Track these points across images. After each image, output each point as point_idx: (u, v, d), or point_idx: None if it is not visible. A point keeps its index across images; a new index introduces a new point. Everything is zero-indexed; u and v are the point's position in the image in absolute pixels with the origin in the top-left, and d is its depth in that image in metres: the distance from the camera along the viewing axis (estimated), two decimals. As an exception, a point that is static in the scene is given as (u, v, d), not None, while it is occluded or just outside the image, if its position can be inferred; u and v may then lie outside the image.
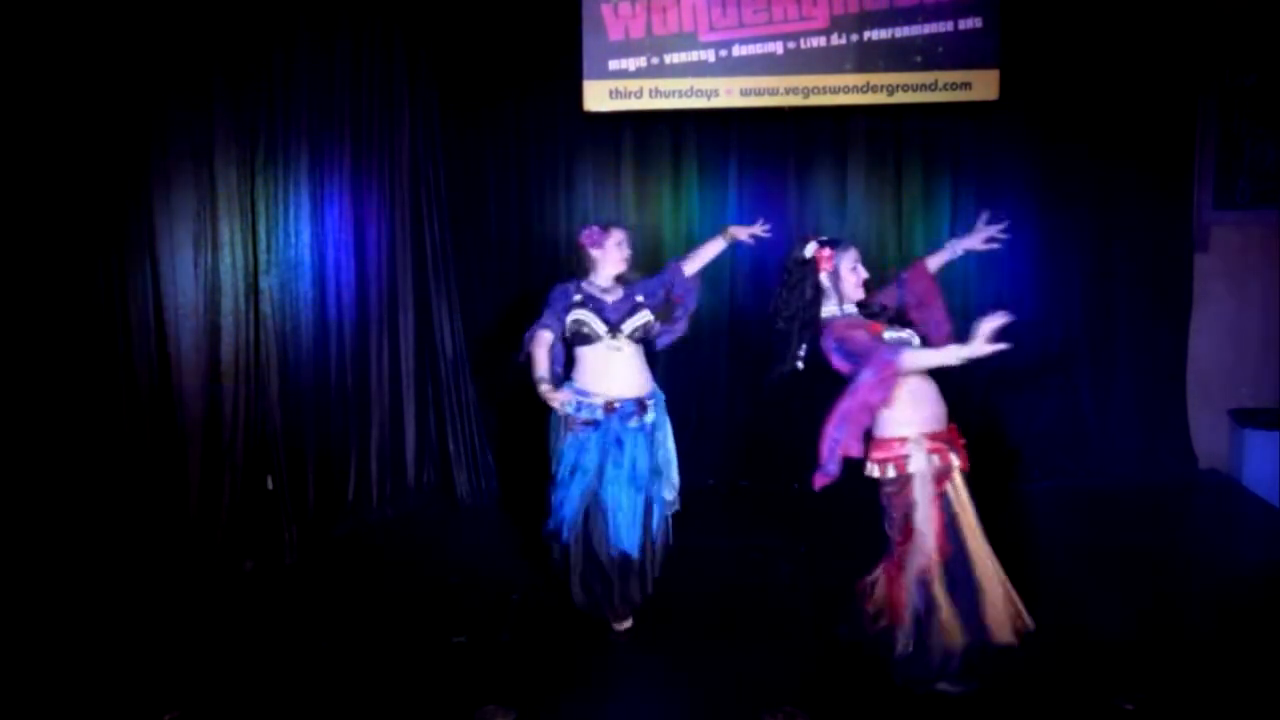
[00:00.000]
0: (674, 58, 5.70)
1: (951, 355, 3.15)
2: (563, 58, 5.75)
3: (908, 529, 3.33)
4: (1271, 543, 5.07)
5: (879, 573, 3.47)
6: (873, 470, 3.38)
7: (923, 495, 3.30)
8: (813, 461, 3.61)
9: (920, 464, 3.30)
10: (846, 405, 3.26)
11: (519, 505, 5.53)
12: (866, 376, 3.23)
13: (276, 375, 4.82)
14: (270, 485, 4.86)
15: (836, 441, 3.28)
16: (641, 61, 5.71)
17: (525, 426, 5.74)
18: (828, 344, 3.37)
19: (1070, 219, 5.82)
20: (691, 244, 5.87)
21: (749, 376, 6.04)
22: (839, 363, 3.36)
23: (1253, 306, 5.87)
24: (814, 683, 3.58)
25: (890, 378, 3.22)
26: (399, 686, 3.62)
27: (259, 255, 4.75)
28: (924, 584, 3.31)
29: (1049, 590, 4.32)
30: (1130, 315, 5.83)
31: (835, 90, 5.65)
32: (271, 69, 4.77)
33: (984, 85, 5.55)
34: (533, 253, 5.94)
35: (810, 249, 3.43)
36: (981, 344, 3.03)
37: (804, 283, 3.41)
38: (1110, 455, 5.85)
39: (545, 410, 4.07)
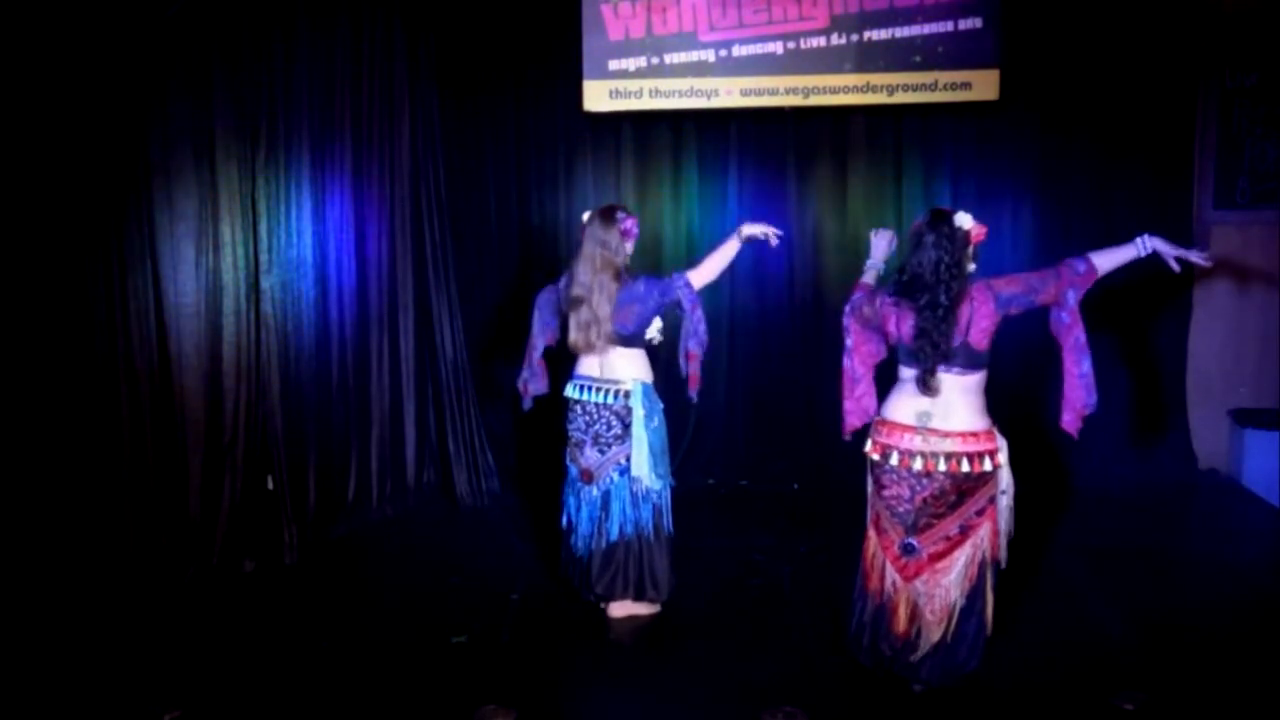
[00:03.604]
0: (674, 58, 5.70)
1: (1136, 247, 3.31)
2: (563, 57, 5.75)
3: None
4: (1271, 543, 5.08)
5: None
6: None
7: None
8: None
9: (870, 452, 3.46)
10: (1079, 336, 3.29)
11: (519, 505, 5.54)
12: (1072, 298, 3.25)
13: (277, 375, 4.82)
14: (270, 485, 4.86)
15: (1088, 375, 3.33)
16: (641, 61, 5.71)
17: (526, 426, 5.77)
18: (985, 303, 3.24)
19: (1070, 219, 5.81)
20: (692, 244, 5.94)
21: (749, 376, 6.06)
22: (984, 335, 3.26)
23: (1253, 306, 5.87)
24: (814, 683, 3.58)
25: (1091, 283, 3.28)
26: (399, 686, 3.62)
27: (260, 255, 4.75)
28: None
29: (1049, 590, 4.34)
30: (1130, 315, 5.83)
31: (835, 90, 5.66)
32: (272, 68, 4.77)
33: (984, 85, 5.55)
34: (533, 253, 5.94)
35: (967, 219, 3.33)
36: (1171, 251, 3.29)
37: (956, 251, 3.28)
38: (1110, 455, 5.85)
39: (547, 411, 4.12)
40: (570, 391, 4.07)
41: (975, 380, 3.33)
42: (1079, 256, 3.31)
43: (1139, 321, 5.84)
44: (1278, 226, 5.78)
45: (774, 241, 4.03)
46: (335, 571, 4.74)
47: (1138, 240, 3.34)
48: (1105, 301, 5.80)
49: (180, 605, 4.26)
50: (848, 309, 3.60)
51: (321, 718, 3.46)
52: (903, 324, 3.33)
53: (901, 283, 3.36)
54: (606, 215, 3.94)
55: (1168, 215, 5.80)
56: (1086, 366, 3.30)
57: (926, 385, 3.27)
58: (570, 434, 4.10)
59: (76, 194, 4.28)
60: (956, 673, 3.42)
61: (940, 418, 3.30)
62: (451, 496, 5.67)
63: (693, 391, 4.07)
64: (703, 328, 3.97)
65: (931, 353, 3.25)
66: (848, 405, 3.62)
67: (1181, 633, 3.91)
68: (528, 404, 4.21)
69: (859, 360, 3.60)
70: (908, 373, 3.38)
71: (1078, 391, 3.33)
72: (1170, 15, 5.61)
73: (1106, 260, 3.32)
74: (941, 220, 3.32)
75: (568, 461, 4.15)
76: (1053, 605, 4.19)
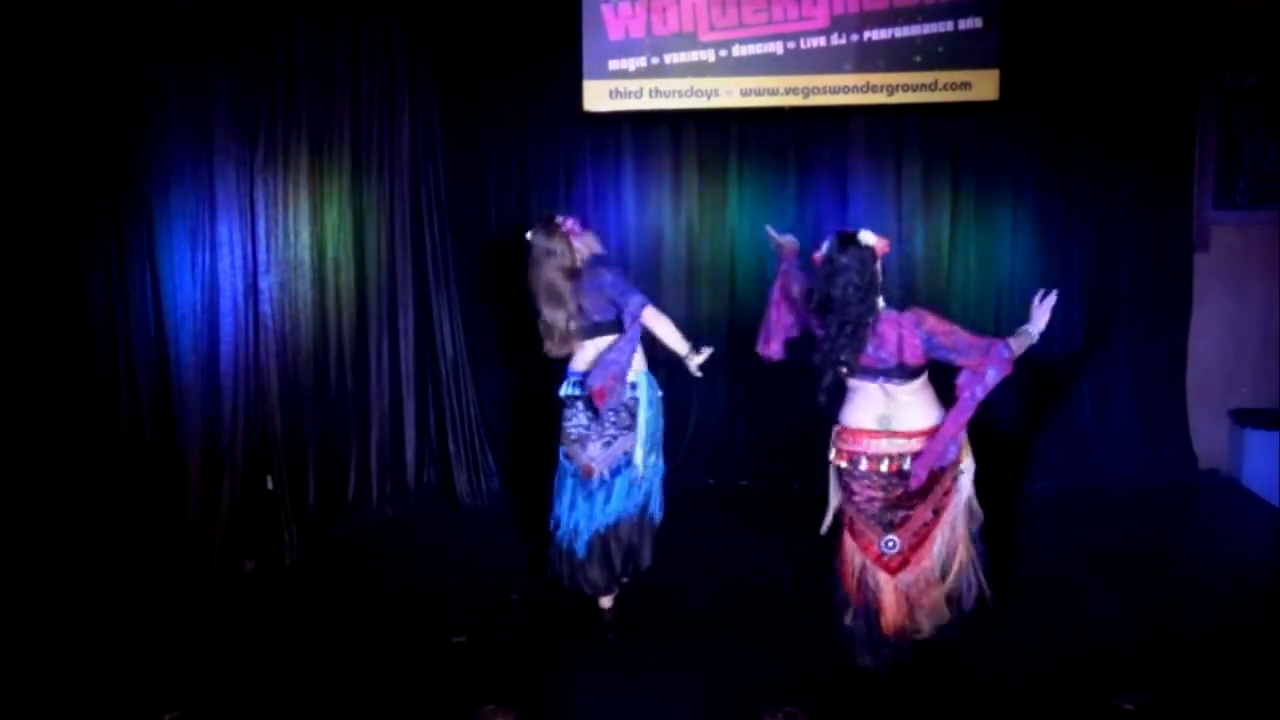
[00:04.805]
0: (674, 58, 5.70)
1: (1029, 337, 3.37)
2: (563, 58, 5.75)
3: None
4: (1271, 543, 5.08)
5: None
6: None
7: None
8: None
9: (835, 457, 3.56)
10: (968, 410, 3.33)
11: (519, 505, 5.53)
12: (991, 376, 3.28)
13: (276, 375, 4.82)
14: (270, 485, 4.86)
15: (953, 442, 3.39)
16: (641, 61, 5.70)
17: (525, 426, 5.78)
18: (913, 334, 3.31)
19: (1070, 219, 5.81)
20: (692, 244, 5.94)
21: (749, 376, 6.05)
22: (918, 354, 3.34)
23: (1253, 306, 5.87)
24: (814, 683, 3.58)
25: (1010, 373, 3.31)
26: (399, 686, 3.62)
27: (258, 255, 4.75)
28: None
29: (1049, 590, 4.34)
30: (1130, 315, 5.83)
31: (835, 90, 5.65)
32: (272, 68, 4.77)
33: (984, 85, 5.55)
34: (533, 252, 5.93)
35: (870, 236, 3.38)
36: (1043, 314, 3.37)
37: (866, 272, 3.33)
38: (1110, 455, 5.85)
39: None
40: (569, 389, 4.09)
41: (920, 382, 3.43)
42: (1004, 342, 3.33)
43: (1139, 321, 5.84)
44: (1278, 226, 5.78)
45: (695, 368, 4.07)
46: (335, 571, 4.74)
47: (1028, 331, 3.39)
48: (1106, 302, 5.85)
49: (180, 605, 4.26)
50: (783, 270, 3.77)
51: (321, 718, 3.46)
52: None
53: (812, 308, 3.46)
54: (548, 226, 4.04)
55: (1168, 215, 5.80)
56: (955, 429, 3.38)
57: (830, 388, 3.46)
58: (569, 431, 4.10)
59: (75, 194, 4.28)
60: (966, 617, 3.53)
61: (898, 420, 3.41)
62: (451, 496, 5.67)
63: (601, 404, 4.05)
64: (624, 359, 3.98)
65: (841, 370, 3.38)
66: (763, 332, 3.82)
67: (1181, 633, 3.91)
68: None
69: (776, 319, 3.75)
70: (857, 384, 3.46)
71: (945, 446, 3.39)
72: (1170, 15, 5.60)
73: (1020, 349, 3.37)
74: (849, 243, 3.37)
75: (563, 461, 4.16)
76: (1053, 605, 4.19)
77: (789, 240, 3.91)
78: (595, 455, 4.05)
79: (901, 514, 3.45)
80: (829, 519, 3.64)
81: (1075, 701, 3.42)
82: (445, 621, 4.08)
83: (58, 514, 4.26)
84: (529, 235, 4.07)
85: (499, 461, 5.82)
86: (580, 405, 4.06)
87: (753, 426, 6.05)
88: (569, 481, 4.13)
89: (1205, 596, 4.30)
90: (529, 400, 5.72)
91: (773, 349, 3.82)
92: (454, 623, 4.07)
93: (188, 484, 4.57)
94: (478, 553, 4.94)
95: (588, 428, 4.06)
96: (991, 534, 3.61)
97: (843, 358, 3.34)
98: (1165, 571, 4.58)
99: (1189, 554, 4.83)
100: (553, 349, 4.07)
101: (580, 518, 4.10)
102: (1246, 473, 5.71)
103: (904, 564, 3.46)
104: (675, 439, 5.70)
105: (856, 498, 3.48)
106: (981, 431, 3.61)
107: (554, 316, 4.00)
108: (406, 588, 4.53)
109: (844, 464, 3.49)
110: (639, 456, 4.05)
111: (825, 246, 3.40)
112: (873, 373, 3.38)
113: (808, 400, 5.66)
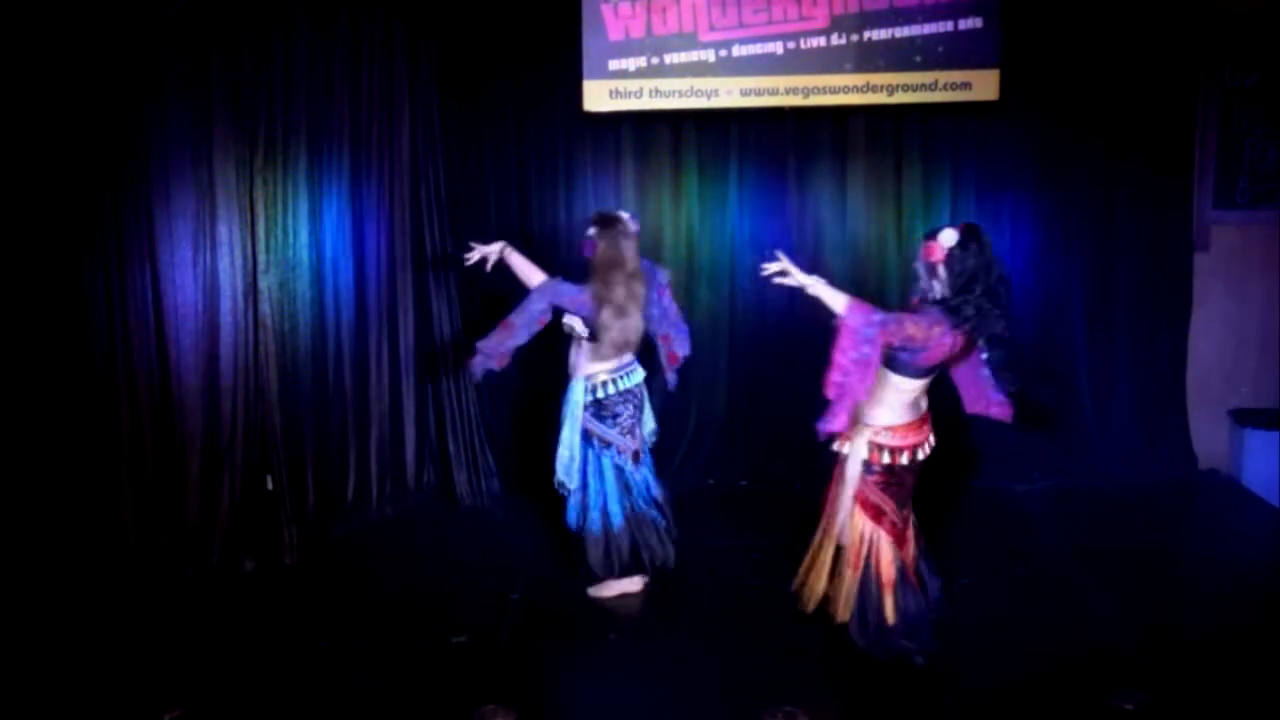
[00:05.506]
0: (674, 58, 5.69)
1: None
2: (563, 58, 5.75)
3: None
4: (1271, 543, 5.08)
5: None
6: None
7: None
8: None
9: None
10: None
11: (518, 505, 5.53)
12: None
13: (275, 375, 4.82)
14: (270, 485, 4.86)
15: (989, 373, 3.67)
16: (641, 61, 5.70)
17: (525, 426, 5.77)
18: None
19: (1070, 219, 5.81)
20: (692, 244, 5.94)
21: (749, 377, 6.05)
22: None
23: (1253, 306, 5.87)
24: (814, 682, 3.58)
25: None
26: (399, 686, 3.62)
27: (258, 255, 4.75)
28: None
29: (1049, 590, 4.34)
30: (1130, 315, 5.82)
31: (835, 90, 5.65)
32: (271, 67, 4.77)
33: (984, 85, 5.55)
34: (533, 253, 5.91)
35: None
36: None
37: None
38: (1110, 455, 5.85)
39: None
40: (621, 383, 4.19)
41: None
42: None
43: (1139, 321, 5.83)
44: (1278, 226, 5.78)
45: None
46: (335, 571, 4.74)
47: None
48: (1106, 301, 5.84)
49: (180, 605, 4.26)
50: (879, 322, 3.40)
51: (321, 718, 3.46)
52: (957, 343, 3.44)
53: (981, 301, 3.38)
54: (625, 228, 4.13)
55: (1168, 215, 5.80)
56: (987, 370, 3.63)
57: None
58: (619, 424, 4.20)
59: (75, 193, 4.28)
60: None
61: (925, 407, 3.61)
62: (451, 496, 5.67)
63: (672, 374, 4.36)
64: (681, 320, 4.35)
65: (1010, 358, 3.51)
66: (842, 409, 3.51)
67: (1181, 633, 3.91)
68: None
69: (872, 373, 3.45)
70: (906, 383, 3.49)
71: (995, 383, 3.64)
72: (1170, 15, 5.60)
73: None
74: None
75: (614, 460, 4.21)
76: (1053, 605, 4.19)
77: (814, 278, 3.64)
78: (639, 438, 4.28)
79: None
80: (847, 532, 3.63)
81: (1075, 701, 3.42)
82: (445, 621, 4.09)
83: (58, 513, 4.26)
84: (594, 230, 4.14)
85: (499, 461, 5.82)
86: (630, 395, 4.22)
87: (753, 426, 6.05)
88: (621, 474, 4.24)
89: (1205, 596, 4.30)
90: (529, 400, 5.73)
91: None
92: (454, 623, 4.07)
93: (188, 484, 4.57)
94: (478, 553, 4.94)
95: (633, 416, 4.23)
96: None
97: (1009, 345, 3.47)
98: (1165, 571, 4.58)
99: (1189, 554, 4.84)
100: (623, 343, 4.14)
101: (640, 498, 4.26)
102: (1246, 473, 5.71)
103: (908, 529, 3.65)
104: (675, 439, 5.71)
105: (900, 490, 3.57)
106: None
107: (631, 322, 4.11)
108: (406, 588, 4.53)
109: (905, 460, 3.53)
110: (651, 424, 4.40)
111: (955, 236, 3.53)
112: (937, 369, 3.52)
113: (807, 401, 5.69)
